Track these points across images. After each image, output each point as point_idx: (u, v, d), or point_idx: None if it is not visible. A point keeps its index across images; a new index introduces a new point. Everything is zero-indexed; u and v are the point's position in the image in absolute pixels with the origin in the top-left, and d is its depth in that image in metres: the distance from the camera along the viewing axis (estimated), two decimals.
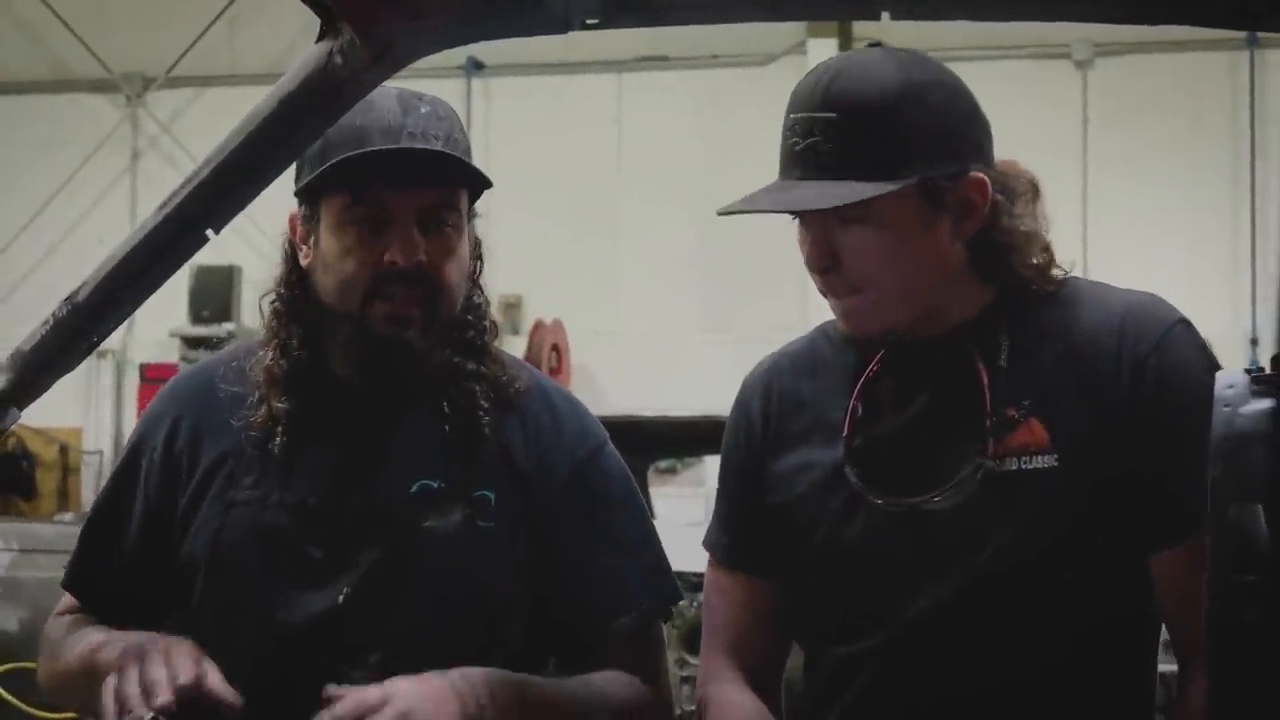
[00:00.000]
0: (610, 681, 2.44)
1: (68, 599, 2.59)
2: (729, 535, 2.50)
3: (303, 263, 2.47)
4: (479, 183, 2.46)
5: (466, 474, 2.42)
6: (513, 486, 2.45)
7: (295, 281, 2.48)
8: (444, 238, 2.41)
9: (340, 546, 2.38)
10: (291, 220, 2.49)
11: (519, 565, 2.42)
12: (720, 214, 2.32)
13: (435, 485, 2.41)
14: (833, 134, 2.22)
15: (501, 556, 2.41)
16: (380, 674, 2.29)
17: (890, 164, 2.20)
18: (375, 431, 2.45)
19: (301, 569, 2.38)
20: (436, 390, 2.45)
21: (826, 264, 2.27)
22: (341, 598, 2.35)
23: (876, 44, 2.31)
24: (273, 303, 2.50)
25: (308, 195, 2.44)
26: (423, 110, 2.41)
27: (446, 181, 2.42)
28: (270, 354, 2.46)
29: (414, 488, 2.40)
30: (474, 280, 2.53)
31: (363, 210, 2.39)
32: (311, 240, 2.46)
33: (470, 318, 2.50)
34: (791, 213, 2.28)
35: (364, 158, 2.33)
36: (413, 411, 2.46)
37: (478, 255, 2.55)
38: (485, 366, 2.47)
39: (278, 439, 2.43)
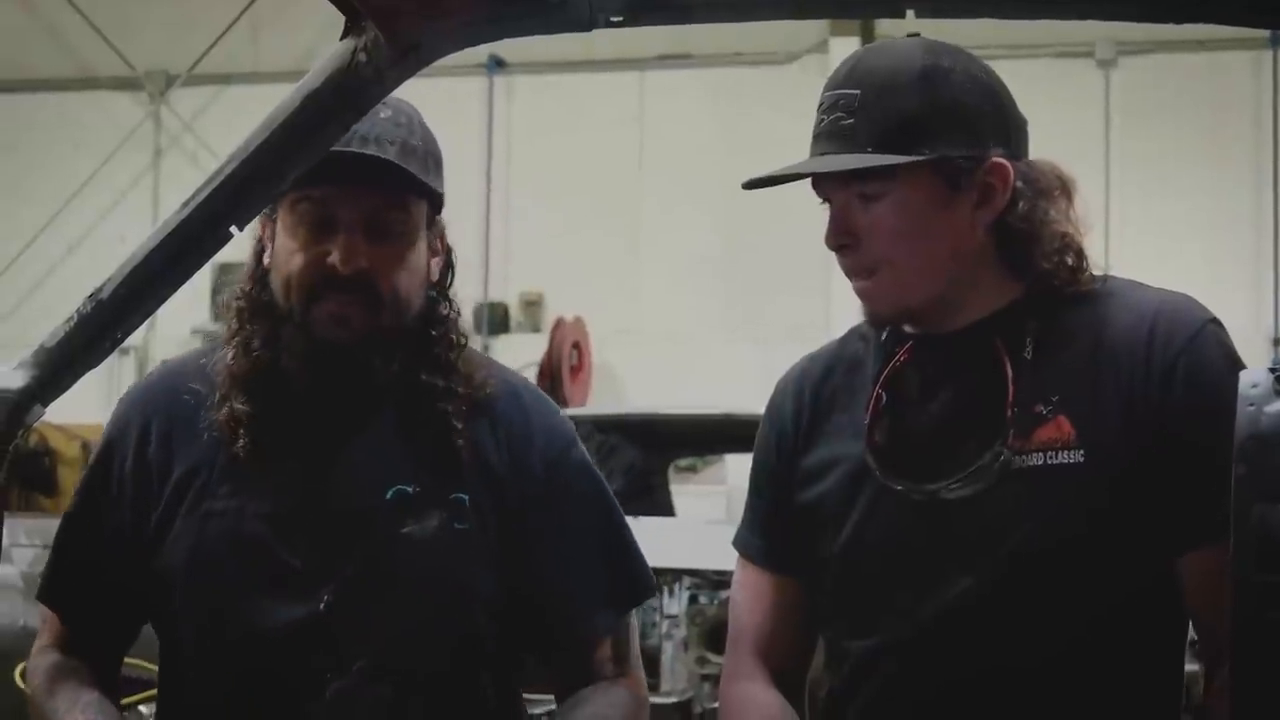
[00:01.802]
0: (599, 708, 2.45)
1: (48, 626, 2.55)
2: (761, 536, 2.51)
3: (265, 261, 2.45)
4: (423, 192, 2.41)
5: (441, 478, 2.42)
6: (487, 488, 2.44)
7: (258, 279, 2.46)
8: (390, 246, 2.38)
9: (319, 555, 2.37)
10: (261, 217, 2.46)
11: (497, 565, 2.42)
12: (745, 186, 2.34)
13: (410, 490, 2.40)
14: (854, 109, 2.26)
15: (479, 558, 2.41)
16: (364, 680, 2.32)
17: (907, 139, 2.24)
18: (344, 437, 2.44)
19: (281, 578, 2.37)
20: (401, 398, 2.44)
21: (844, 241, 2.30)
22: (324, 605, 2.35)
23: (915, 34, 2.34)
24: (236, 300, 2.48)
25: None
26: (381, 115, 2.37)
27: (384, 187, 2.38)
28: (230, 353, 2.44)
29: (389, 494, 2.39)
30: (440, 291, 2.51)
31: (309, 210, 2.38)
32: (270, 237, 2.45)
33: (434, 331, 2.47)
34: (814, 189, 2.30)
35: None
36: (381, 416, 2.44)
37: (448, 265, 2.53)
38: (450, 382, 2.45)
39: (241, 441, 2.40)
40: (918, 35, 2.35)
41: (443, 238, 2.52)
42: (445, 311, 2.50)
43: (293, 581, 2.36)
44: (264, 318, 2.44)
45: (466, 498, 2.42)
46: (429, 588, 2.38)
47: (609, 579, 2.52)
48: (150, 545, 2.43)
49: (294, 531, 2.38)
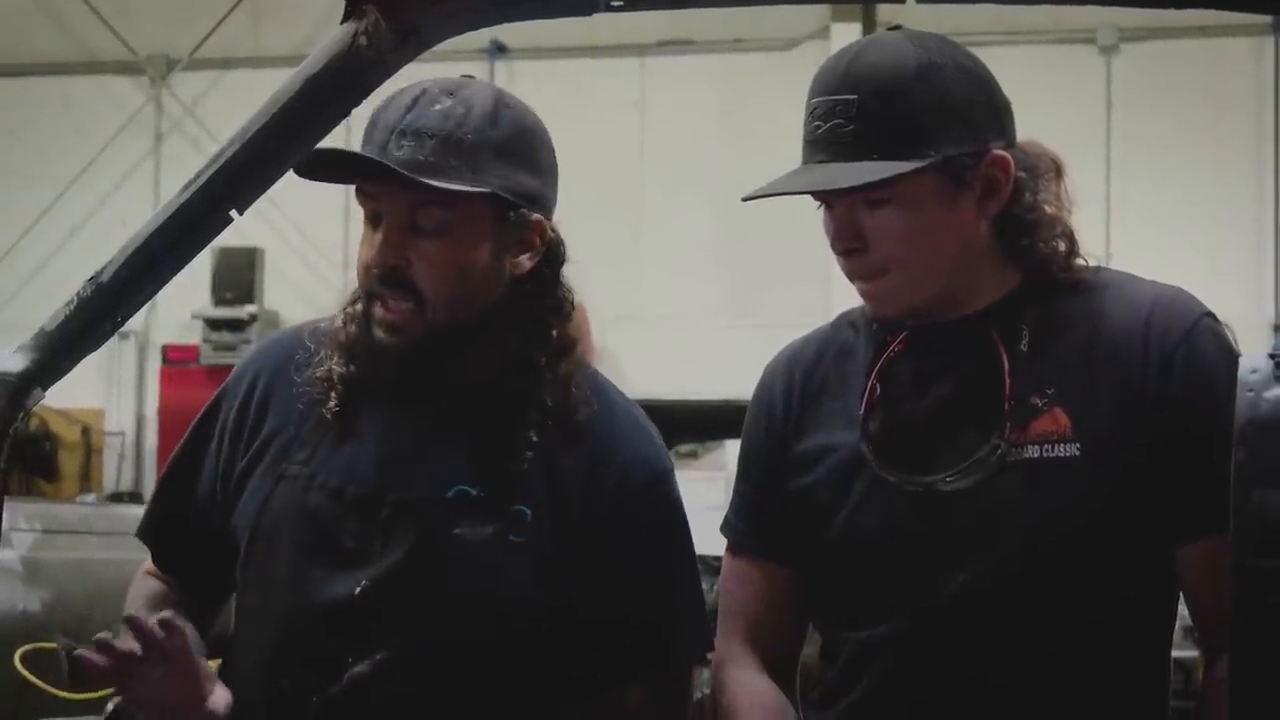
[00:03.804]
0: None
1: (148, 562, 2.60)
2: (748, 521, 2.50)
3: None
4: (447, 190, 2.31)
5: (507, 486, 2.37)
6: (553, 505, 2.38)
7: None
8: (429, 241, 2.33)
9: (370, 538, 2.36)
10: None
11: (546, 581, 2.36)
12: (745, 200, 2.31)
13: (473, 493, 2.36)
14: (853, 115, 2.23)
15: (527, 572, 2.35)
16: (383, 670, 2.30)
17: (911, 143, 2.21)
18: (425, 426, 2.41)
19: (331, 555, 2.36)
20: (490, 397, 2.40)
21: (851, 245, 2.28)
22: (359, 589, 2.34)
23: (896, 27, 2.32)
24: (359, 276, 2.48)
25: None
26: (437, 106, 2.33)
27: (402, 184, 2.30)
28: (340, 320, 2.45)
29: (451, 492, 2.36)
30: (539, 288, 2.45)
31: (364, 203, 2.37)
32: None
33: (530, 331, 2.42)
34: (814, 194, 2.28)
35: (323, 155, 2.22)
36: (466, 410, 2.40)
37: (548, 260, 2.46)
38: (540, 390, 2.40)
39: (331, 401, 2.41)
40: (899, 28, 2.32)
41: (540, 231, 2.44)
42: (547, 305, 2.45)
43: (341, 561, 2.36)
44: None
45: (529, 512, 2.36)
46: (466, 591, 2.34)
47: (651, 629, 2.43)
48: (231, 499, 2.46)
49: (353, 511, 2.37)
